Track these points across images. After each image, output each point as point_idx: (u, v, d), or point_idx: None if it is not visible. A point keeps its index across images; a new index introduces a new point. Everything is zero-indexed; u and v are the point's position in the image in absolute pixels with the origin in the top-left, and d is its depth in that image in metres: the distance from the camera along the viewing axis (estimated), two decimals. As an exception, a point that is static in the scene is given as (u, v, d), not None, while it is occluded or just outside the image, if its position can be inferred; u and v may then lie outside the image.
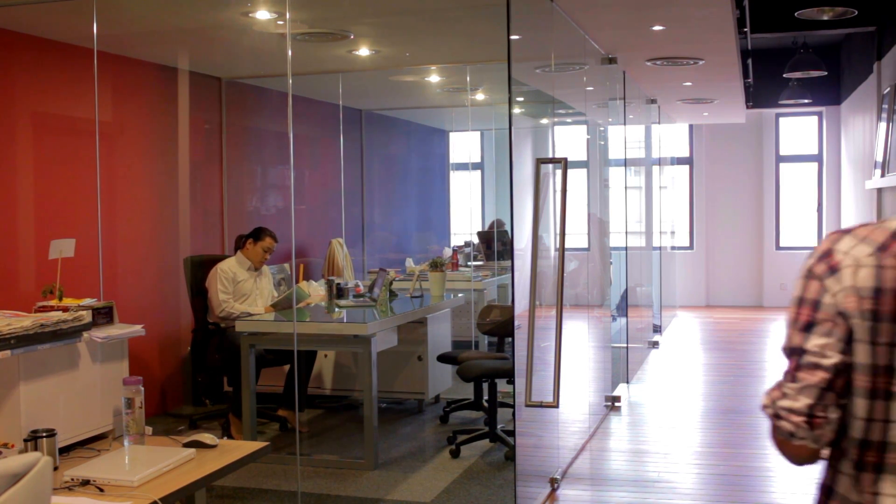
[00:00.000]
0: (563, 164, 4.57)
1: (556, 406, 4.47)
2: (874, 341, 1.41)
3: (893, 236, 1.42)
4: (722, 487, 4.64)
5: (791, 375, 1.46)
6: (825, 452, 1.51)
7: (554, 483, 4.74)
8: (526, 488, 4.64)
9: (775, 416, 1.47)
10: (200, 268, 6.00)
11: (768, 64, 10.54)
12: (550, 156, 5.29)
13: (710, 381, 7.57)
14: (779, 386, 1.48)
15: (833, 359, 1.43)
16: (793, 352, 1.47)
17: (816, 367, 1.43)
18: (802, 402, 1.44)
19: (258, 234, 5.99)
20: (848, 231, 1.48)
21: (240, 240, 6.17)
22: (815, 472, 1.50)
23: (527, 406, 4.60)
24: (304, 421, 6.10)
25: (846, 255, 1.44)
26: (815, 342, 1.44)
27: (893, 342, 1.40)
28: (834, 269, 1.44)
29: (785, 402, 1.46)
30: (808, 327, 1.45)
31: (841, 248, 1.45)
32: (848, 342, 1.43)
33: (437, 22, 5.71)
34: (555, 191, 5.22)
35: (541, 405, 4.46)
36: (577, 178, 6.42)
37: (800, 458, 1.50)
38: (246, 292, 5.92)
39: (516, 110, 8.60)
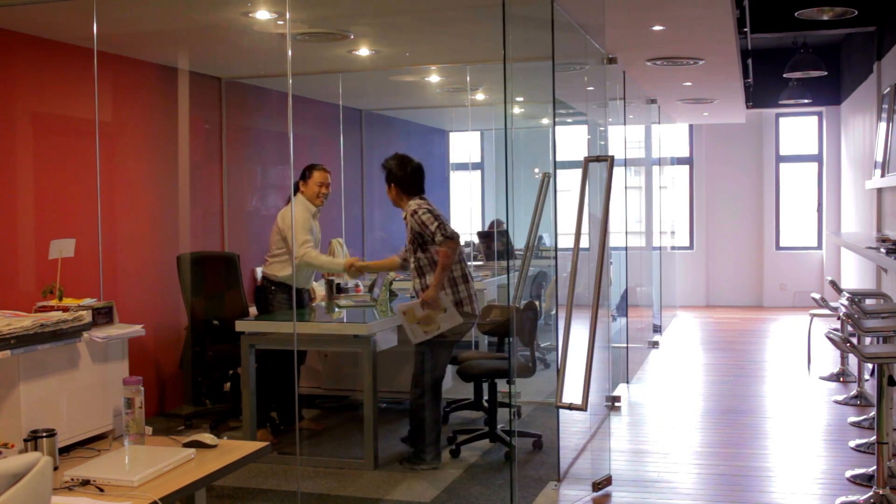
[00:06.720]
0: (610, 162, 4.65)
1: (585, 409, 4.48)
2: None
3: None
4: (722, 487, 4.64)
5: None
6: None
7: (554, 483, 4.74)
8: (525, 488, 4.64)
9: None
10: (196, 265, 6.01)
11: (768, 64, 10.55)
12: (550, 156, 5.30)
13: (710, 381, 7.57)
14: None
15: None
16: None
17: None
18: None
19: (305, 172, 5.69)
20: None
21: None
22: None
23: (556, 407, 4.61)
24: (312, 419, 6.11)
25: None
26: None
27: None
28: None
29: None
30: None
31: None
32: None
33: (437, 22, 5.71)
34: (552, 193, 5.22)
35: (570, 407, 4.47)
36: (576, 178, 6.41)
37: None
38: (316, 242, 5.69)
39: (516, 110, 8.59)
